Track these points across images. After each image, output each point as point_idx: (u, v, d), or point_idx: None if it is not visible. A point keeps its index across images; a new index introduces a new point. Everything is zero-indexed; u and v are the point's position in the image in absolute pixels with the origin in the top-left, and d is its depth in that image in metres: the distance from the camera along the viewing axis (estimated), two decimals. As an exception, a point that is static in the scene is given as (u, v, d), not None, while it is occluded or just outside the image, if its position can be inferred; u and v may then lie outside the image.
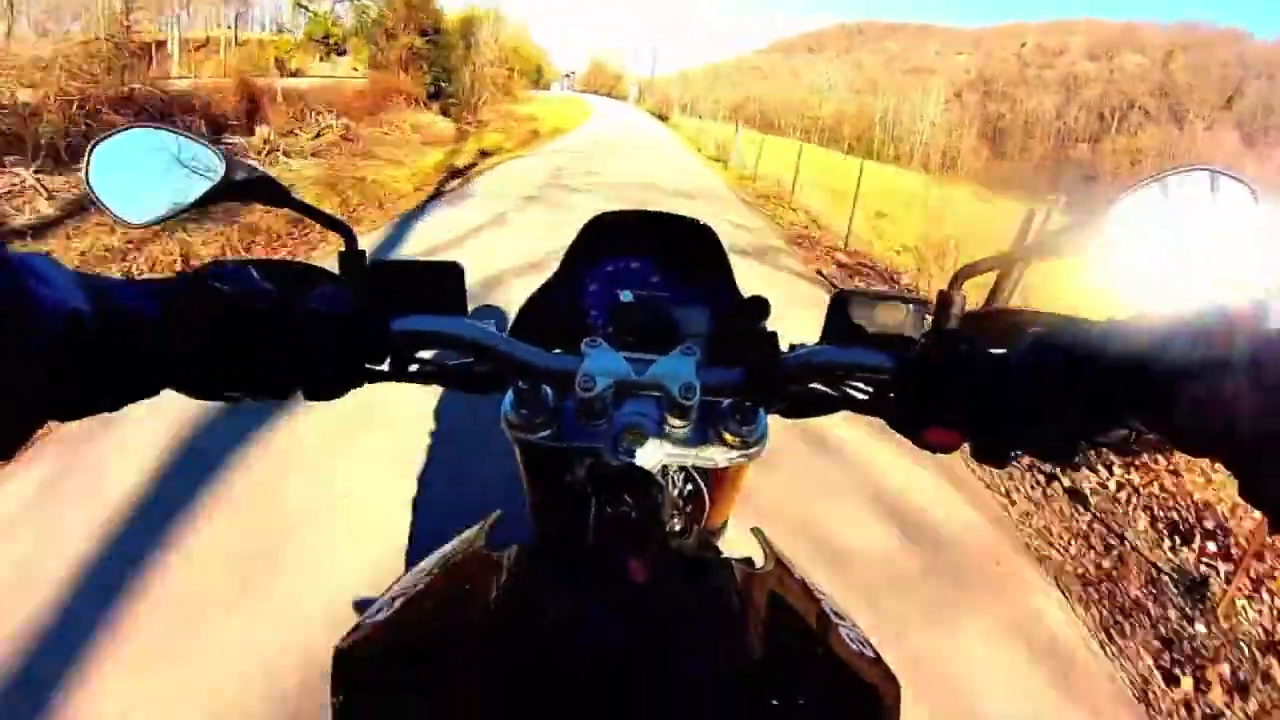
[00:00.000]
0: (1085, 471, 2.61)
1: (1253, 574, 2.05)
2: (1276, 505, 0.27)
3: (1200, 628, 1.89)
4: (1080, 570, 2.09)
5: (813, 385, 0.57)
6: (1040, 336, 0.37)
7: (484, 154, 10.39)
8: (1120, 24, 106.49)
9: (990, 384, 0.38)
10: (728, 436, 0.58)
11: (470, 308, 0.61)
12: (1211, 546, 2.25)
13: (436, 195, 6.81)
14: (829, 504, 2.19)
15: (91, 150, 0.46)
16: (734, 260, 0.81)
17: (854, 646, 0.50)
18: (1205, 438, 0.29)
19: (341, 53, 19.64)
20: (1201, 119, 75.56)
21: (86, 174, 0.46)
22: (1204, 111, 77.55)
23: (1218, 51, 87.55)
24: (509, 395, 0.59)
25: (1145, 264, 0.42)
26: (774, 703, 0.41)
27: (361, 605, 1.10)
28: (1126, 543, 2.23)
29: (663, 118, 34.82)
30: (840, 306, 0.59)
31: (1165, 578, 2.08)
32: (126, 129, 0.48)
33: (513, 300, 3.34)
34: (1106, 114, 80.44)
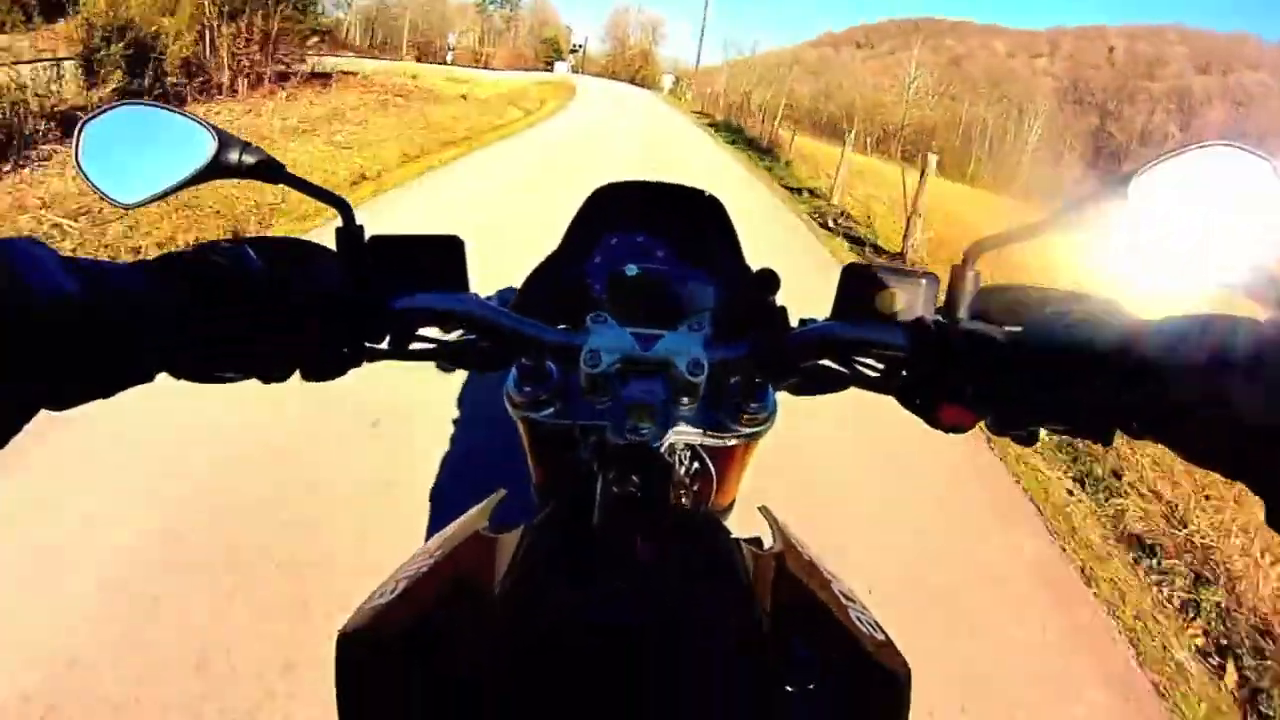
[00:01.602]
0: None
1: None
2: None
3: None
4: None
5: (823, 362, 0.55)
6: (1057, 313, 0.36)
7: None
8: (1219, 35, 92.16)
9: (1006, 361, 0.38)
10: (736, 414, 0.58)
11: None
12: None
13: None
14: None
15: (80, 129, 0.42)
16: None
17: (864, 628, 0.49)
18: (1215, 448, 0.27)
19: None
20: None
21: (76, 154, 0.42)
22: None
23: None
24: (512, 372, 0.60)
25: (1164, 238, 0.40)
26: (784, 684, 0.41)
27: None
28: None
29: (751, 140, 14.90)
30: (851, 280, 0.54)
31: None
32: (114, 107, 0.44)
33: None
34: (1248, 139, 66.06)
